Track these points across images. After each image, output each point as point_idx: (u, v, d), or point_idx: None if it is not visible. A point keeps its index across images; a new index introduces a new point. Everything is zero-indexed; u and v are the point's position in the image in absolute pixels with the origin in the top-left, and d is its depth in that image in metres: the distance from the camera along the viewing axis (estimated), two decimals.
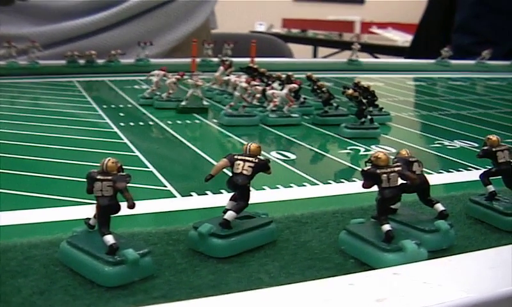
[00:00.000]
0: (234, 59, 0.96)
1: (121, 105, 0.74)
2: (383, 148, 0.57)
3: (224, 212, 0.30)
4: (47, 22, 1.14)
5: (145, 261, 0.27)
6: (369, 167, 0.29)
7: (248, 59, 0.88)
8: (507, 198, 0.36)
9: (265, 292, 0.24)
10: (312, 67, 1.18)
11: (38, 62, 1.02)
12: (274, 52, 1.60)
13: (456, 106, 0.85)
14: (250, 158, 0.31)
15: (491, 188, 0.36)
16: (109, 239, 0.26)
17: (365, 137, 0.60)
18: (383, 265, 0.28)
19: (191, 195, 0.40)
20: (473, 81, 1.18)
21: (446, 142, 0.60)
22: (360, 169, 0.30)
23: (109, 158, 0.27)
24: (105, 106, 0.72)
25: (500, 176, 0.36)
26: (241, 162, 0.31)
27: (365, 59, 1.41)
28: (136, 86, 0.90)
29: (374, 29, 3.44)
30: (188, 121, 0.66)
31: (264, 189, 0.42)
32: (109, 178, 0.27)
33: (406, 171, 0.30)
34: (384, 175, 0.29)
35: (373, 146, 0.57)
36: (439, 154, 0.56)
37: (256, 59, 0.92)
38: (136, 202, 0.26)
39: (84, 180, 0.28)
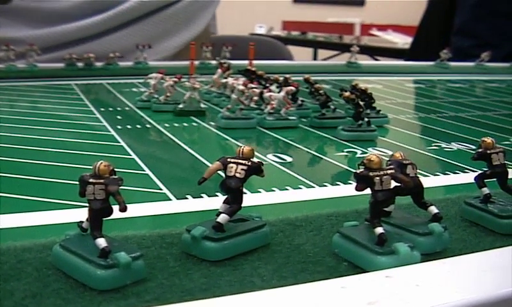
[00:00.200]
0: (233, 62, 0.96)
1: (118, 108, 0.74)
2: (380, 151, 0.56)
3: (218, 215, 0.30)
4: (45, 25, 1.14)
5: (137, 265, 0.27)
6: (362, 170, 0.29)
7: (246, 62, 0.88)
8: (502, 201, 0.36)
9: (257, 295, 0.24)
10: (310, 69, 1.18)
11: (37, 65, 1.02)
12: (274, 55, 1.60)
13: (455, 108, 0.85)
14: (243, 161, 0.31)
15: (486, 190, 0.36)
16: (101, 242, 0.27)
17: (362, 139, 0.60)
18: (375, 268, 0.27)
19: (187, 198, 0.40)
20: (473, 83, 1.18)
21: (443, 145, 0.60)
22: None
23: (101, 161, 0.27)
24: (102, 109, 0.72)
25: (494, 179, 0.36)
26: (234, 165, 0.31)
27: (365, 61, 1.41)
28: (134, 89, 0.90)
29: (374, 31, 3.44)
30: (185, 124, 0.66)
31: (259, 192, 0.42)
32: (101, 181, 0.27)
33: (399, 173, 0.30)
34: (377, 178, 0.29)
35: (370, 149, 0.57)
36: (436, 156, 0.56)
37: (255, 62, 0.91)
38: (131, 205, 0.26)
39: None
